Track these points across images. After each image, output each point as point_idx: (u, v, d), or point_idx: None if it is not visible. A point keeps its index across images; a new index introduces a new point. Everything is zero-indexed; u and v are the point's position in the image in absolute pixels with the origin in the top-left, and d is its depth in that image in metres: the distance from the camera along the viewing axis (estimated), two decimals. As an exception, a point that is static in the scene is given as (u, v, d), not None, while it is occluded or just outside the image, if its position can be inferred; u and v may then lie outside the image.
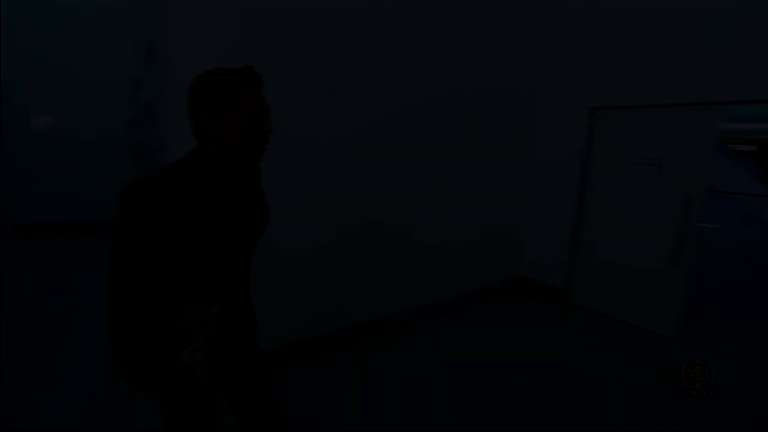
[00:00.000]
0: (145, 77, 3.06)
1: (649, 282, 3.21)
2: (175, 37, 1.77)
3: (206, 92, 0.97)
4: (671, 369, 2.65)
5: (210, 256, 1.02)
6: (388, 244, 2.82)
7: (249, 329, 1.23)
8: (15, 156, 4.91)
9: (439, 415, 2.10)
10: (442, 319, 3.22)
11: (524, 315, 3.49)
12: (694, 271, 3.05)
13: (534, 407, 2.20)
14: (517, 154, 3.71)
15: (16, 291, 3.33)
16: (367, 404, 2.15)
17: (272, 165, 1.35)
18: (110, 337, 0.95)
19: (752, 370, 2.70)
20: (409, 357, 2.64)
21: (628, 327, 3.28)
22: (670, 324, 3.10)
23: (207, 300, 1.04)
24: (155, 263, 0.97)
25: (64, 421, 1.87)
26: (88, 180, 5.27)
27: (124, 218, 0.92)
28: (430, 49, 2.73)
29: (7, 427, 1.81)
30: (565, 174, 3.64)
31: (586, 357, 2.82)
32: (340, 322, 2.66)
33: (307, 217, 2.33)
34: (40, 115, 5.03)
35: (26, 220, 5.02)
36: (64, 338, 2.61)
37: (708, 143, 2.89)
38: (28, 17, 4.77)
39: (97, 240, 4.67)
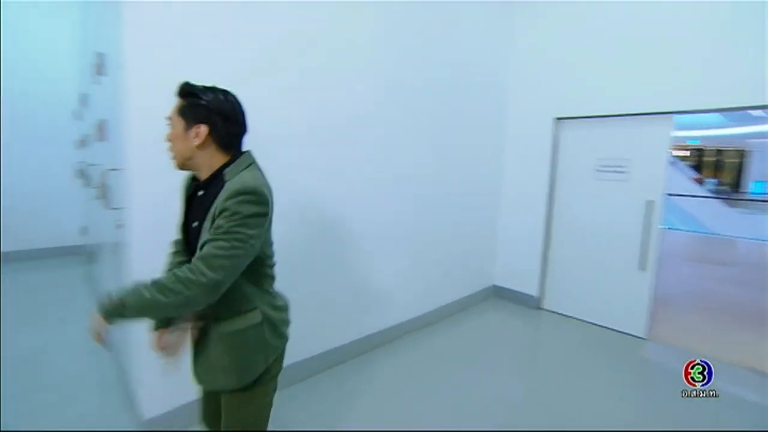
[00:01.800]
0: (93, 92, 2.83)
1: (617, 285, 3.33)
2: (131, 48, 1.62)
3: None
4: (642, 364, 2.75)
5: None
6: (353, 258, 2.74)
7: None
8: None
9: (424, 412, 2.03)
10: (420, 332, 3.16)
11: (501, 321, 3.52)
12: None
13: (514, 404, 2.18)
14: (487, 165, 3.78)
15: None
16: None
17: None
18: (175, 304, 0.98)
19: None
20: (391, 367, 2.55)
21: (601, 328, 3.38)
22: (639, 323, 3.23)
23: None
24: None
25: None
26: (25, 205, 4.80)
27: (258, 218, 1.03)
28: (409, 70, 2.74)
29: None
30: (533, 183, 3.74)
31: (563, 356, 2.87)
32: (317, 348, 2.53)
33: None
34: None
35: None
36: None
37: (664, 150, 3.08)
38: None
39: (45, 266, 4.30)
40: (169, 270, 1.20)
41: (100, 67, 2.25)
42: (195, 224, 1.12)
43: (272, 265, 1.23)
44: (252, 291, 1.14)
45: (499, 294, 4.07)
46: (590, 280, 3.49)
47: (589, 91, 3.35)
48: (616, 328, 3.35)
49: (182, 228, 1.20)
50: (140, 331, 1.67)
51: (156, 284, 0.98)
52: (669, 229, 8.83)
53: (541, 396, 2.42)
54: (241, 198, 1.01)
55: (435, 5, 2.94)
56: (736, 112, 4.82)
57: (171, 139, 1.13)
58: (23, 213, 4.77)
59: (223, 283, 1.00)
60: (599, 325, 3.43)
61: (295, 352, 2.37)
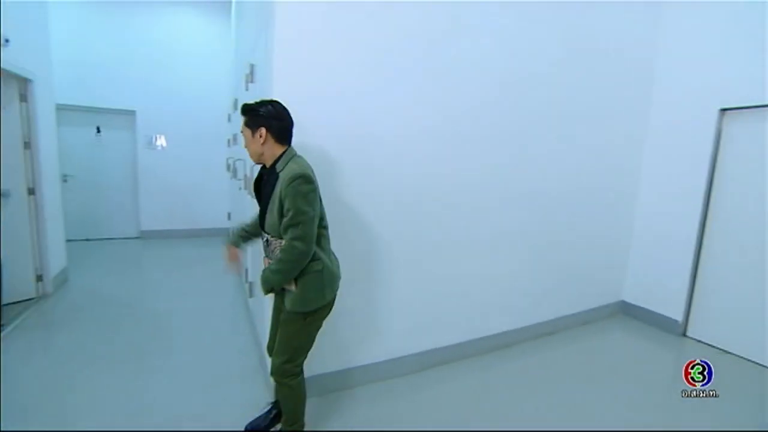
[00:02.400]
0: (243, 98, 3.32)
1: (804, 318, 2.59)
2: (277, 59, 1.85)
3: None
4: None
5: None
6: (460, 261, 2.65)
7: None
8: (139, 175, 5.73)
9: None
10: (534, 342, 2.94)
11: (629, 344, 3.05)
12: None
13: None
14: (622, 161, 3.31)
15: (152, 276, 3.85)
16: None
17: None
18: (288, 271, 1.48)
19: None
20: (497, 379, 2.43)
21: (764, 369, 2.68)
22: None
23: None
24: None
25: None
26: (191, 193, 5.93)
27: (311, 194, 1.45)
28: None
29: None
30: (684, 184, 3.14)
31: (716, 403, 2.33)
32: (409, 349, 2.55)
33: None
34: (158, 137, 5.79)
35: (146, 227, 5.82)
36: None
37: None
38: (156, 57, 5.59)
39: (204, 242, 5.30)
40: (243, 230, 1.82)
41: (250, 76, 2.62)
42: (263, 202, 1.60)
43: (326, 227, 1.63)
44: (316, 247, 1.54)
45: (628, 312, 3.54)
46: (758, 308, 2.78)
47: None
48: (798, 374, 2.61)
49: (256, 190, 1.69)
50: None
51: (280, 265, 1.48)
52: None
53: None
54: (296, 182, 1.42)
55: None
56: None
57: (246, 145, 1.59)
58: (189, 199, 5.92)
59: (310, 245, 1.47)
60: (763, 365, 2.72)
61: (402, 346, 2.44)
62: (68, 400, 2.12)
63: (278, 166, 1.51)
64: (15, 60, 3.01)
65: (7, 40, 2.88)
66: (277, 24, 1.83)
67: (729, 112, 2.91)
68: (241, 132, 1.62)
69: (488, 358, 2.72)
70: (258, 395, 2.19)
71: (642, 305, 3.44)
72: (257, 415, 1.90)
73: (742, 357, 2.86)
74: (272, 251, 1.57)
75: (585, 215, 3.16)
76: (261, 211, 1.63)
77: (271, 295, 1.70)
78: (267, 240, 1.58)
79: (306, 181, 1.43)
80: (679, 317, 3.18)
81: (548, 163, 2.85)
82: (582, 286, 3.29)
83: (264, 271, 1.54)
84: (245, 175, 2.67)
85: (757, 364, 2.78)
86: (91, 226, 5.64)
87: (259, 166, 1.69)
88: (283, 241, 1.47)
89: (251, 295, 2.92)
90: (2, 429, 1.79)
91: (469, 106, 2.41)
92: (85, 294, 3.59)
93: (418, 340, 2.50)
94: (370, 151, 2.13)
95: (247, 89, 2.89)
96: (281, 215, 1.47)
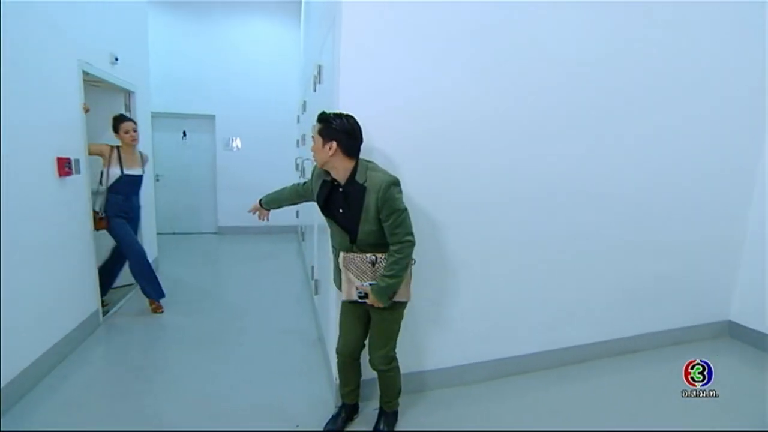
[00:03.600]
0: (311, 99, 3.40)
1: None
2: (344, 59, 1.83)
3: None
4: None
5: None
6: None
7: None
8: (217, 174, 6.20)
9: None
10: (618, 359, 2.64)
11: (733, 374, 2.60)
12: None
13: None
14: (738, 153, 2.83)
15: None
16: None
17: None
18: (405, 267, 1.61)
19: None
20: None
21: None
22: None
23: None
24: None
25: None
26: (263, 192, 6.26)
27: (401, 194, 1.59)
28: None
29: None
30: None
31: None
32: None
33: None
34: (234, 139, 6.21)
35: (223, 223, 6.28)
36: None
37: None
38: (232, 63, 6.01)
39: (275, 239, 5.64)
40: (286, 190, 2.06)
41: (318, 77, 2.66)
42: (341, 210, 1.65)
43: None
44: None
45: (736, 334, 3.04)
46: None
47: None
48: None
49: (324, 204, 1.71)
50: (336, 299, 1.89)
51: (398, 265, 1.59)
52: None
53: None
54: (391, 188, 1.54)
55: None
56: None
57: (314, 150, 1.63)
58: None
59: (414, 238, 1.61)
60: None
61: (475, 352, 2.34)
62: (156, 378, 2.34)
63: (359, 178, 1.58)
64: (122, 75, 3.43)
65: (116, 59, 3.29)
66: (344, 22, 1.81)
67: None
68: (312, 136, 1.66)
69: (564, 371, 2.50)
70: (323, 390, 2.23)
71: (755, 327, 2.93)
72: (328, 419, 1.94)
73: None
74: (377, 269, 1.64)
75: (683, 217, 2.75)
76: (347, 225, 1.66)
77: (337, 299, 1.74)
78: (375, 259, 1.63)
79: (398, 185, 1.57)
80: (806, 344, 2.66)
81: (640, 154, 2.52)
82: (676, 301, 2.87)
83: (379, 284, 1.60)
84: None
85: None
86: (177, 221, 6.21)
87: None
88: (392, 246, 1.59)
89: (317, 292, 2.98)
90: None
91: (537, 92, 2.19)
92: (172, 282, 3.94)
93: (491, 347, 2.37)
94: (438, 149, 2.03)
95: (315, 90, 2.94)
96: (379, 221, 1.58)
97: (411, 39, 1.90)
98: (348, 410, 1.94)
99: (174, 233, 6.16)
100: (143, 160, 3.24)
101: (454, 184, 2.10)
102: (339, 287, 1.77)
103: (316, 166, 1.72)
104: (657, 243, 2.70)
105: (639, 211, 2.61)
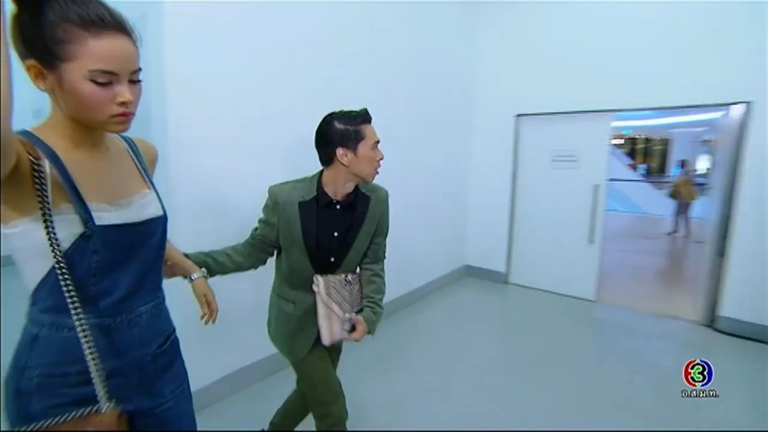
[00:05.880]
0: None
1: (571, 257, 3.90)
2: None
3: (341, 130, 1.22)
4: (593, 321, 3.37)
5: None
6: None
7: None
8: None
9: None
10: (406, 310, 3.54)
11: (473, 296, 3.98)
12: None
13: (491, 356, 2.62)
14: (458, 158, 4.20)
15: None
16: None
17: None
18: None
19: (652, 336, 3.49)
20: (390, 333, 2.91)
21: (559, 296, 3.95)
22: (589, 288, 3.82)
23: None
24: None
25: None
26: None
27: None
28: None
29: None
30: (498, 172, 4.21)
31: (530, 320, 3.41)
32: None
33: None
34: None
35: None
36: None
37: (605, 141, 3.65)
38: None
39: None
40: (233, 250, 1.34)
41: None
42: (336, 234, 1.31)
43: None
44: None
45: (471, 273, 4.54)
46: (549, 255, 4.03)
47: (545, 90, 3.83)
48: (571, 294, 3.92)
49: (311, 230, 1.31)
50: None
51: (382, 290, 1.44)
52: (609, 211, 9.88)
53: (513, 349, 2.90)
54: (388, 200, 1.45)
55: (400, 7, 3.15)
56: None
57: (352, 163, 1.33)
58: None
59: None
60: (558, 293, 3.99)
61: None
62: None
63: (363, 188, 1.35)
64: None
65: None
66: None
67: (522, 117, 4.06)
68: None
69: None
70: None
71: (479, 266, 4.47)
72: None
73: (542, 290, 4.09)
74: (353, 290, 1.38)
75: (434, 203, 3.92)
76: (334, 248, 1.32)
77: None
78: (350, 280, 1.35)
79: None
80: (502, 269, 4.29)
81: (404, 161, 3.45)
82: (437, 258, 4.08)
83: (374, 309, 1.37)
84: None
85: (550, 292, 4.03)
86: None
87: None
88: (375, 264, 1.43)
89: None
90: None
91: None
92: None
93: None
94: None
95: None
96: (372, 237, 1.38)
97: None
98: None
99: None
100: None
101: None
102: (298, 336, 1.35)
103: (269, 198, 1.31)
104: (422, 221, 3.76)
105: (414, 204, 3.57)
